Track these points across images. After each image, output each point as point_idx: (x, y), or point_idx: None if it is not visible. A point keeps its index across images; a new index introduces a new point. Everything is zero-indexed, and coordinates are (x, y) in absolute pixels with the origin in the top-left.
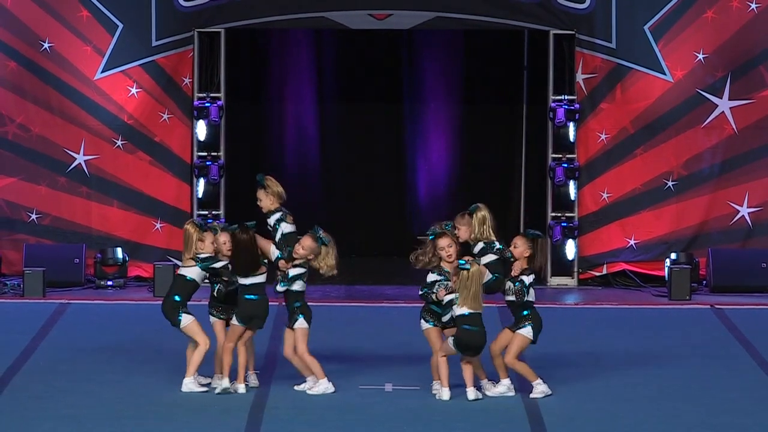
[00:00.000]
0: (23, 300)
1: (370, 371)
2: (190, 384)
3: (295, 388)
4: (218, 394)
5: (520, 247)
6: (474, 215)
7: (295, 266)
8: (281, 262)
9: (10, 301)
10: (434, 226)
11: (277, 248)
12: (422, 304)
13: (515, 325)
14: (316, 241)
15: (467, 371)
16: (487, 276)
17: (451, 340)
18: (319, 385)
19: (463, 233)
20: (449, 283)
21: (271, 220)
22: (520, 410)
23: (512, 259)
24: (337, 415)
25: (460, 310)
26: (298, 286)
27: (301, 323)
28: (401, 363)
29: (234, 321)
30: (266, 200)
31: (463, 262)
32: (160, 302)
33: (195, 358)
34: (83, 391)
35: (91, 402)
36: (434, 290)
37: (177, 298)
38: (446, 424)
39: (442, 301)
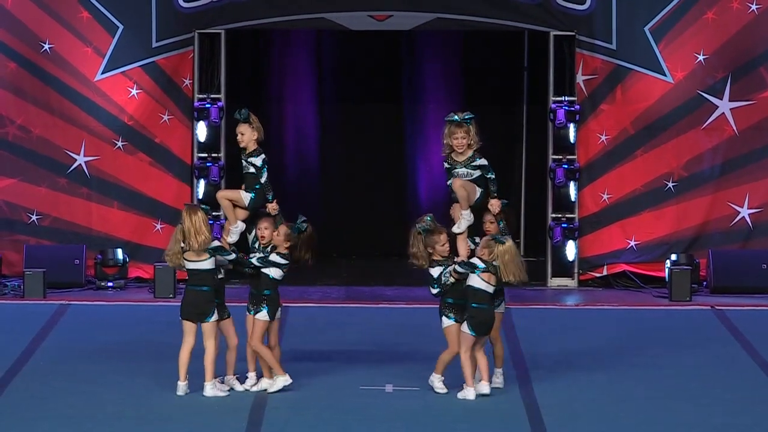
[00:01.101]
0: (23, 301)
1: (371, 372)
2: (211, 389)
3: (253, 389)
4: (274, 392)
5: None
6: (472, 122)
7: (278, 253)
8: (273, 205)
9: (11, 302)
10: (421, 223)
11: (263, 192)
12: (434, 305)
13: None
14: (291, 229)
15: (482, 363)
16: (478, 192)
17: (465, 326)
18: (276, 382)
19: (462, 142)
20: (453, 267)
21: (258, 161)
22: (520, 411)
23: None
24: (338, 416)
25: (479, 283)
26: (275, 273)
27: (263, 315)
28: (401, 364)
29: (264, 317)
30: (250, 135)
31: (499, 236)
32: (160, 303)
33: (208, 362)
34: (84, 392)
35: (92, 403)
36: (445, 280)
37: (206, 288)
38: (446, 425)
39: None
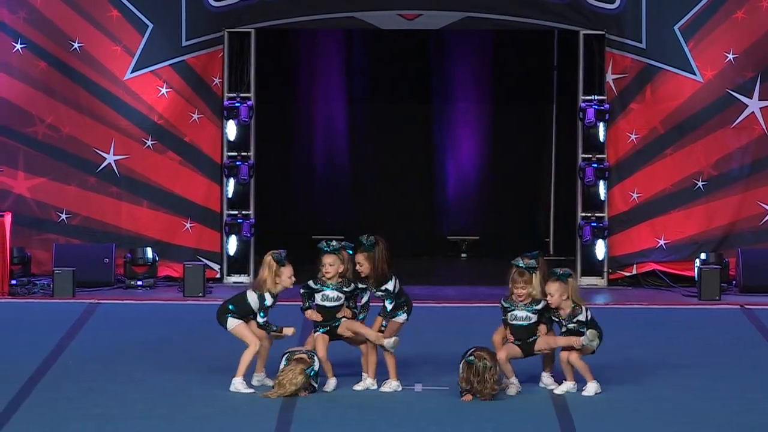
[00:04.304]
0: (53, 300)
1: (400, 372)
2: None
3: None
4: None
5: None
6: (535, 272)
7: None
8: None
9: (40, 301)
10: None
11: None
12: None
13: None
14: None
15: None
16: None
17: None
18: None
19: (523, 292)
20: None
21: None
22: (549, 410)
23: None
24: (367, 416)
25: (584, 315)
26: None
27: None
28: (431, 364)
29: (402, 319)
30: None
31: (558, 273)
32: (190, 302)
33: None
34: (112, 391)
35: (121, 402)
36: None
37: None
38: (475, 424)
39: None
